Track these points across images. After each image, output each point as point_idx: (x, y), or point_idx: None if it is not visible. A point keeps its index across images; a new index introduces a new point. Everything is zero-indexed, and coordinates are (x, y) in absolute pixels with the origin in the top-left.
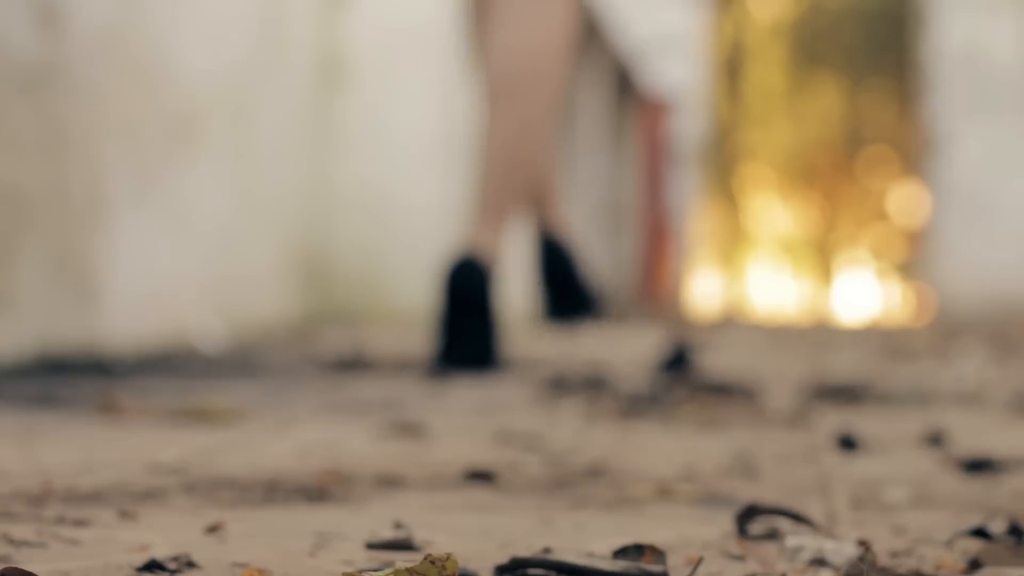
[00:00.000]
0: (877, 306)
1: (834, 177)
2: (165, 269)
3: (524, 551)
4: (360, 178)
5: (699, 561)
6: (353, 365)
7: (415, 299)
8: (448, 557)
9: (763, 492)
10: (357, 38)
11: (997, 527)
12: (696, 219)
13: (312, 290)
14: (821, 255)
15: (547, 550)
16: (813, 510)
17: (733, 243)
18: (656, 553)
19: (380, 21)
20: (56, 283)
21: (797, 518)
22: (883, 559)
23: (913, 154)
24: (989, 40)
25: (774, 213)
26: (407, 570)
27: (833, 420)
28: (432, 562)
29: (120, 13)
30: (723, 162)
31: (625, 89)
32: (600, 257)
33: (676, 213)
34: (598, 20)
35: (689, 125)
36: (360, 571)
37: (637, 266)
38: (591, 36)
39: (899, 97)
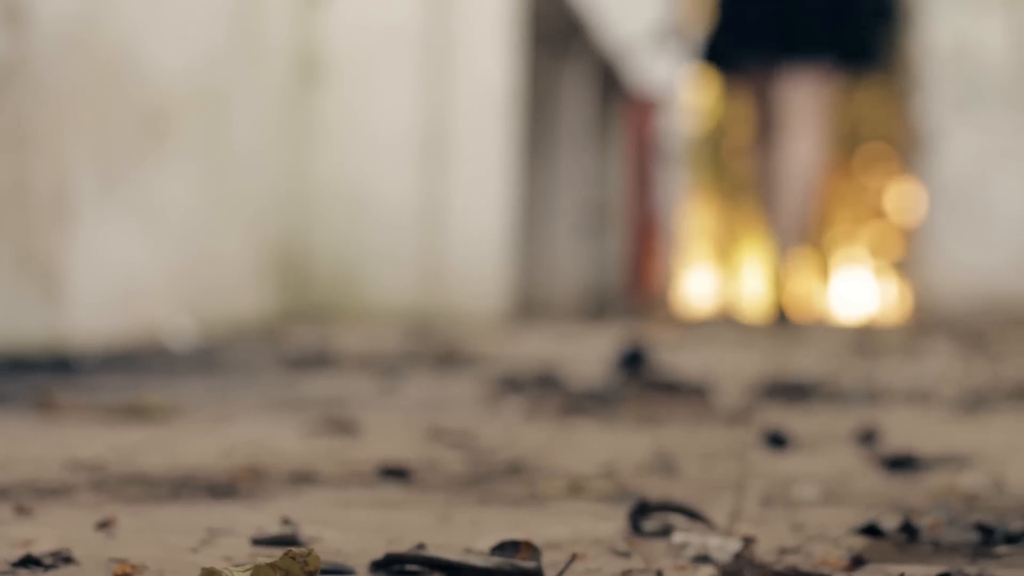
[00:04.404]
0: (874, 304)
1: (831, 174)
2: (134, 267)
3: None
4: (337, 176)
5: (572, 558)
6: (315, 362)
7: (393, 297)
8: (310, 552)
9: (677, 489)
10: (334, 36)
11: (890, 524)
12: (687, 216)
13: (288, 288)
14: (818, 253)
15: (421, 546)
16: (722, 507)
17: (728, 241)
18: (531, 549)
19: (358, 19)
20: (19, 281)
21: (691, 514)
22: (771, 556)
23: (903, 151)
24: (979, 37)
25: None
26: (269, 565)
27: (775, 417)
28: (293, 558)
29: (87, 9)
30: (718, 159)
31: (611, 87)
32: (583, 255)
33: (666, 211)
34: (582, 17)
35: (679, 123)
36: (230, 567)
37: (625, 264)
38: (575, 33)
39: (897, 94)
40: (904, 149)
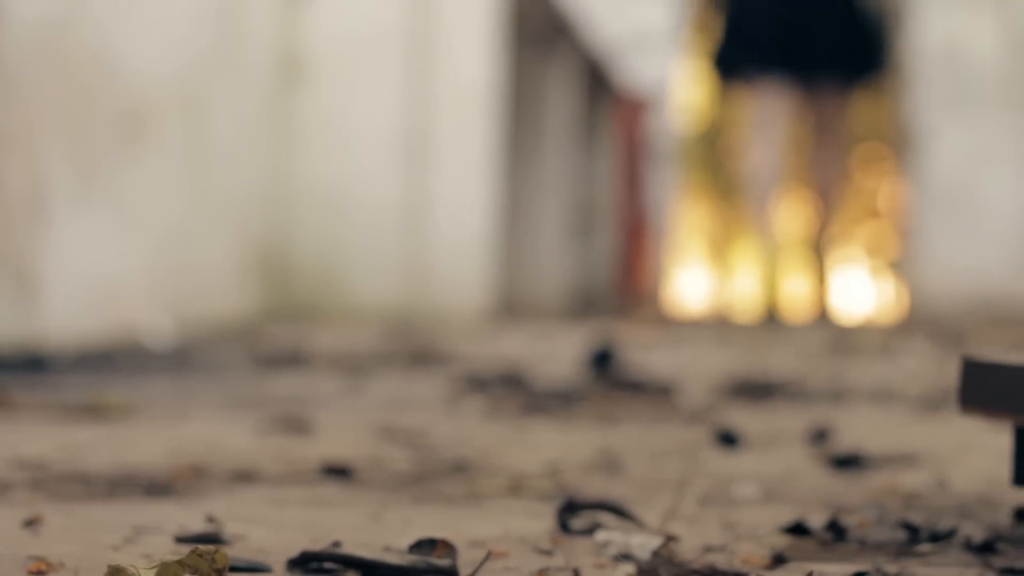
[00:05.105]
0: (870, 303)
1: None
2: (112, 267)
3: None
4: (319, 176)
5: (486, 556)
6: (288, 362)
7: (375, 297)
8: (217, 550)
9: (620, 488)
10: (317, 36)
11: (816, 522)
12: (680, 216)
13: (271, 288)
14: (815, 253)
15: (336, 544)
16: (659, 505)
17: (723, 240)
18: (447, 547)
19: (340, 20)
20: None
21: (621, 513)
22: (693, 554)
23: (897, 151)
24: (970, 38)
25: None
26: (177, 562)
27: (734, 417)
28: (201, 555)
29: (61, 12)
30: (714, 159)
31: (599, 86)
32: (571, 254)
33: (657, 210)
34: (568, 17)
35: (671, 122)
36: (136, 565)
37: (614, 263)
38: (560, 33)
39: (890, 93)
40: (897, 148)
